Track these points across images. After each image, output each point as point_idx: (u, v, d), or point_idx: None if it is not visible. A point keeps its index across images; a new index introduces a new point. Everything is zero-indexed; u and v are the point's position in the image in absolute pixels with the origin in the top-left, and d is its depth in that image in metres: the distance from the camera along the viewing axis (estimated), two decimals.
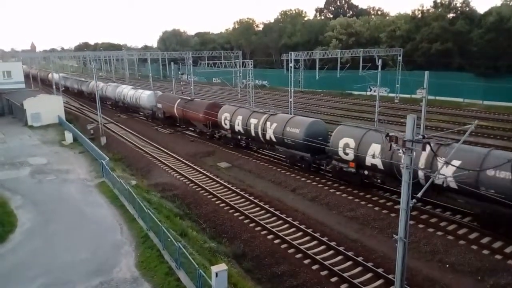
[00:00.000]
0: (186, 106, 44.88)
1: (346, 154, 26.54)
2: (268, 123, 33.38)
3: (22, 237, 20.19)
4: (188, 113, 44.48)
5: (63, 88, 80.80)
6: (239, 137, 38.54)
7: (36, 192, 26.73)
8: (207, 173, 32.43)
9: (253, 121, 35.22)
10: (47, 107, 50.24)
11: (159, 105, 50.92)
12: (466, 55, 64.92)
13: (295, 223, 23.00)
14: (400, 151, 10.94)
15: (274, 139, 32.89)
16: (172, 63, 68.88)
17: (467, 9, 71.55)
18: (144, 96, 54.61)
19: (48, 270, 17.03)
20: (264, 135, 33.84)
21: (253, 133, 35.40)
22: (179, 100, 47.02)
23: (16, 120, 53.53)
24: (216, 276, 13.86)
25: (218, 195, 27.63)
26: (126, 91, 60.79)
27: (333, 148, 27.53)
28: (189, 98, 47.37)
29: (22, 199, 25.20)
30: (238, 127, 37.06)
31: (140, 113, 60.13)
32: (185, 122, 47.58)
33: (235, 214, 24.72)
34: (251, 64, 53.51)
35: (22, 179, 29.57)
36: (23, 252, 18.67)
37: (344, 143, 26.64)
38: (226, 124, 38.84)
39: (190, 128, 47.77)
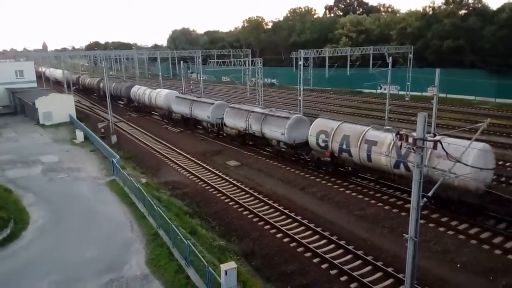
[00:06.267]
0: None
1: None
2: None
3: (34, 234, 20.48)
4: None
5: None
6: None
7: (48, 190, 27.05)
8: (216, 172, 32.50)
9: None
10: (58, 106, 50.83)
11: None
12: (478, 52, 63.97)
13: (304, 221, 22.95)
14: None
15: None
16: (181, 61, 69.08)
17: (479, 5, 70.49)
18: None
19: (59, 267, 17.25)
20: None
21: None
22: None
23: (28, 119, 54.20)
24: (226, 274, 13.91)
25: (227, 193, 27.68)
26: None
27: None
28: None
29: (34, 197, 25.53)
30: None
31: None
32: None
33: (244, 213, 24.75)
34: (260, 63, 53.43)
35: (34, 177, 29.94)
36: (35, 249, 18.93)
37: None
38: None
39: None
